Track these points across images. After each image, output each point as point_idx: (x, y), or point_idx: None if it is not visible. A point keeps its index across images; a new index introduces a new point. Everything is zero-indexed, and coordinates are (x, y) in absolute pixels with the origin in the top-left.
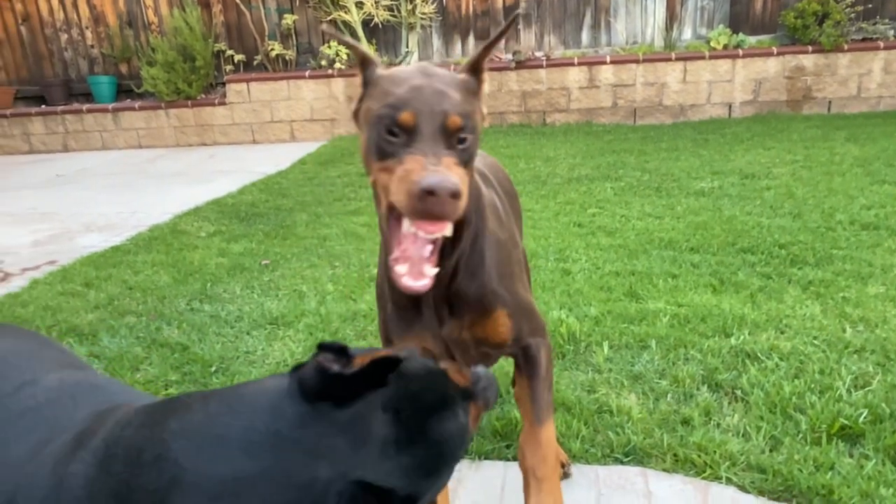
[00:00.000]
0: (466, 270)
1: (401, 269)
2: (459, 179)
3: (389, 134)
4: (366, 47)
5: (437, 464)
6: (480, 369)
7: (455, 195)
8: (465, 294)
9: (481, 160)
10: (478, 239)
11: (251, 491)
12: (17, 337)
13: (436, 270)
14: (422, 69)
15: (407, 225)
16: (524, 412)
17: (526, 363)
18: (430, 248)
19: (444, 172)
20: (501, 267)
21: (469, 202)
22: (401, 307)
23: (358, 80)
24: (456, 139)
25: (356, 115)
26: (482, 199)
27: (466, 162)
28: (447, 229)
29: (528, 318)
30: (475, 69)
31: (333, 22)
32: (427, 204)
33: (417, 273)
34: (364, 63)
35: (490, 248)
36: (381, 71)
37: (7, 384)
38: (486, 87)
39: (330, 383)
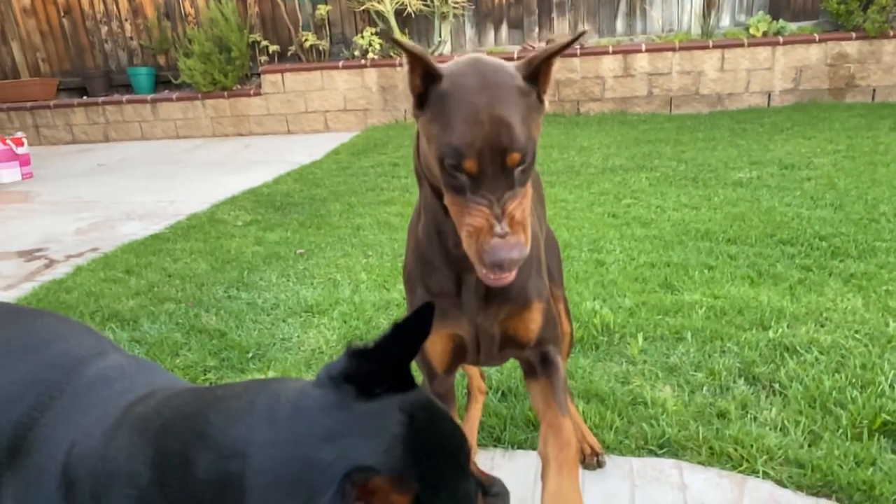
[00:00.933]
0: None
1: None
2: (523, 238)
3: (455, 170)
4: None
5: (436, 481)
6: (498, 480)
7: (520, 262)
8: (513, 285)
9: None
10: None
11: (259, 454)
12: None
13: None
14: (481, 78)
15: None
16: (544, 404)
17: (544, 366)
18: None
19: (509, 242)
20: (539, 261)
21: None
22: (437, 293)
23: (415, 83)
24: (516, 168)
25: (417, 118)
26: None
27: (525, 181)
28: (513, 276)
29: (553, 323)
30: (534, 74)
31: (366, 12)
32: (494, 270)
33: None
34: (426, 75)
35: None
36: (442, 88)
37: (84, 350)
38: (549, 81)
39: (355, 364)
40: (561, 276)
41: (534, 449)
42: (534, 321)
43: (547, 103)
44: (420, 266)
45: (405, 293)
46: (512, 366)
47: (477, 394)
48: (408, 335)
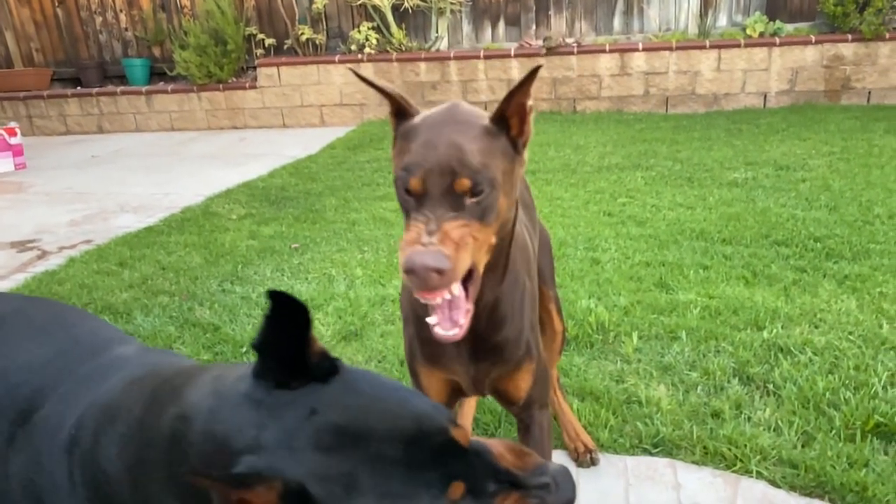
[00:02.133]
0: (500, 317)
1: (432, 320)
2: (449, 248)
3: (406, 193)
4: (397, 31)
5: (337, 479)
6: (555, 465)
7: (439, 272)
8: (497, 340)
9: None
10: (514, 288)
11: (195, 426)
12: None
13: (468, 318)
14: (448, 116)
15: None
16: None
17: (528, 431)
18: (462, 296)
19: (427, 250)
20: (532, 319)
21: (499, 248)
22: (431, 338)
23: (392, 121)
24: (468, 198)
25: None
26: (518, 245)
27: (482, 216)
28: (450, 293)
29: (543, 381)
30: (501, 118)
31: (363, 6)
32: (415, 282)
33: (449, 321)
34: (398, 114)
35: (527, 298)
36: (410, 123)
37: (106, 335)
38: (528, 131)
39: (260, 359)
40: (553, 275)
41: None
42: (524, 381)
43: (526, 155)
44: (412, 306)
45: (402, 320)
46: None
47: None
48: (282, 327)
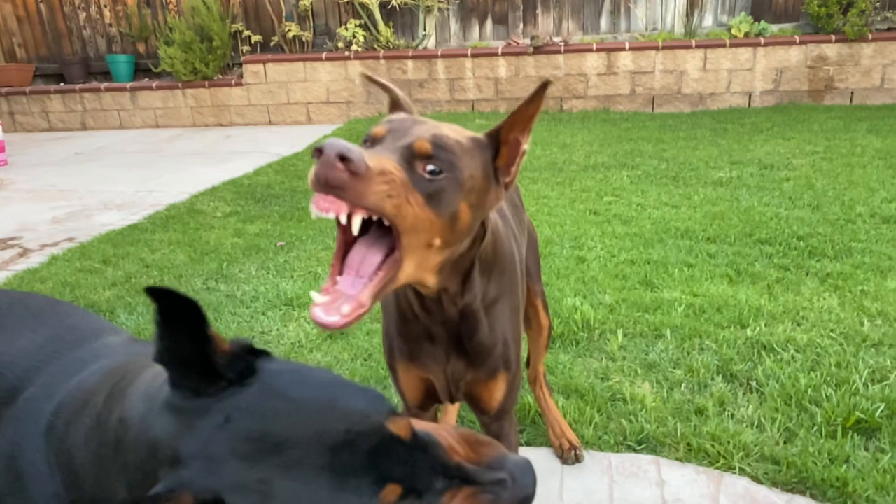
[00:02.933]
0: (477, 321)
1: (317, 298)
2: (373, 161)
3: (365, 141)
4: (385, 29)
5: (253, 487)
6: (514, 458)
7: (345, 159)
8: (474, 344)
9: None
10: (497, 295)
11: (130, 432)
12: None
13: (356, 312)
14: (439, 123)
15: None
16: None
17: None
18: (362, 283)
19: (350, 146)
20: (513, 326)
21: (475, 254)
22: (409, 335)
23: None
24: (422, 166)
25: None
26: (504, 257)
27: (431, 198)
28: (343, 215)
29: (516, 391)
30: (496, 138)
31: (350, 3)
32: (317, 168)
33: (333, 307)
34: (393, 106)
35: (507, 309)
36: (400, 112)
37: (96, 327)
38: (515, 173)
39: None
40: (539, 271)
41: None
42: (498, 390)
43: (504, 193)
44: (394, 307)
45: (382, 317)
46: None
47: None
48: (176, 330)
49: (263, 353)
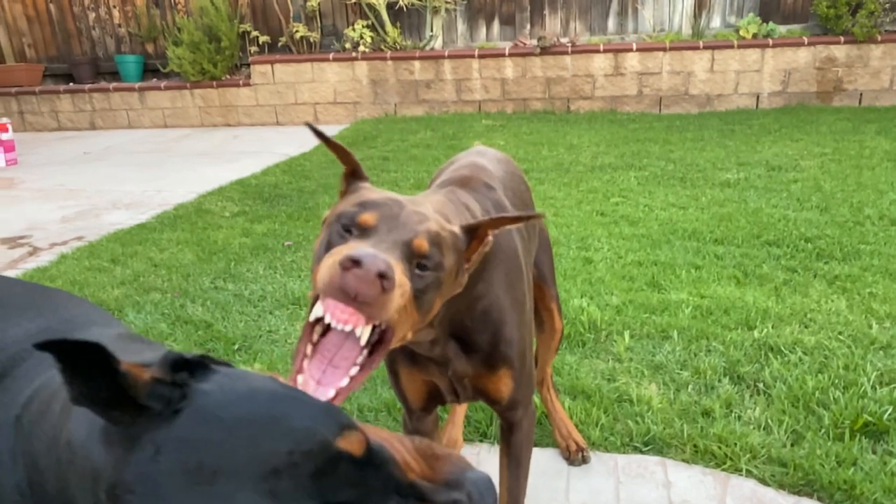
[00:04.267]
0: (479, 320)
1: (303, 375)
2: (398, 275)
3: (345, 231)
4: (392, 30)
5: None
6: (473, 475)
7: (384, 278)
8: (476, 344)
9: (503, 168)
10: (491, 299)
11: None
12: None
13: (343, 391)
14: (415, 199)
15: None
16: (501, 477)
17: (508, 445)
18: (335, 374)
19: (377, 253)
20: (517, 323)
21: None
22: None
23: (341, 188)
24: (415, 263)
25: (324, 222)
26: (501, 252)
27: (419, 294)
28: (359, 328)
29: (527, 381)
30: (472, 232)
31: (358, 4)
32: (348, 278)
33: (325, 379)
34: (352, 175)
35: (505, 303)
36: (366, 185)
37: (86, 319)
38: (475, 261)
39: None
40: (553, 273)
41: None
42: (504, 385)
43: (465, 279)
44: None
45: None
46: None
47: None
48: (85, 375)
49: (200, 365)
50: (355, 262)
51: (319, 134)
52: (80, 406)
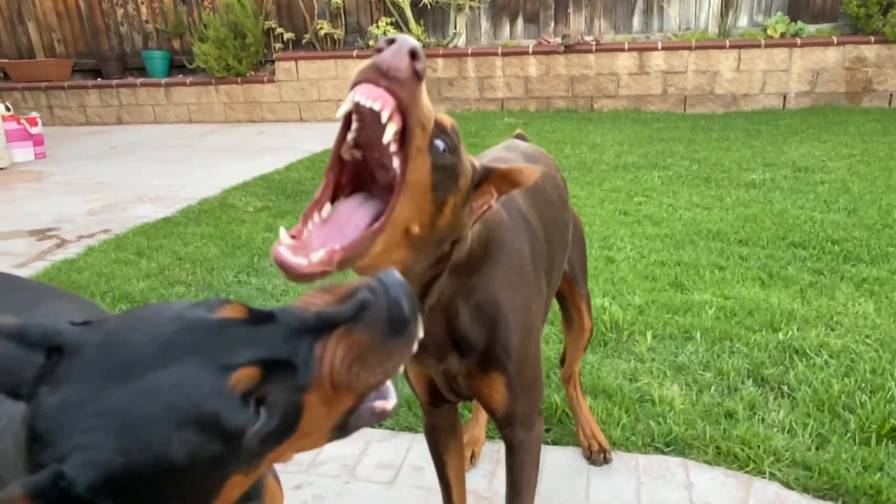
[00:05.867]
0: (472, 316)
1: (284, 237)
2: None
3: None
4: (416, 27)
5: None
6: (376, 276)
7: (415, 55)
8: (468, 338)
9: (529, 163)
10: (481, 289)
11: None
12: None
13: (324, 265)
14: None
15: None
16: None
17: (510, 454)
18: (336, 241)
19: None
20: (515, 326)
21: (477, 238)
22: None
23: None
24: (437, 137)
25: None
26: (501, 249)
27: (436, 168)
28: (387, 110)
29: (526, 395)
30: (485, 173)
31: (382, 1)
32: (381, 56)
33: (303, 251)
34: None
35: (503, 301)
36: None
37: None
38: (473, 218)
39: None
40: (584, 273)
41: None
42: (496, 391)
43: (471, 221)
44: None
45: None
46: None
47: None
48: None
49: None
50: (389, 42)
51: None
52: None
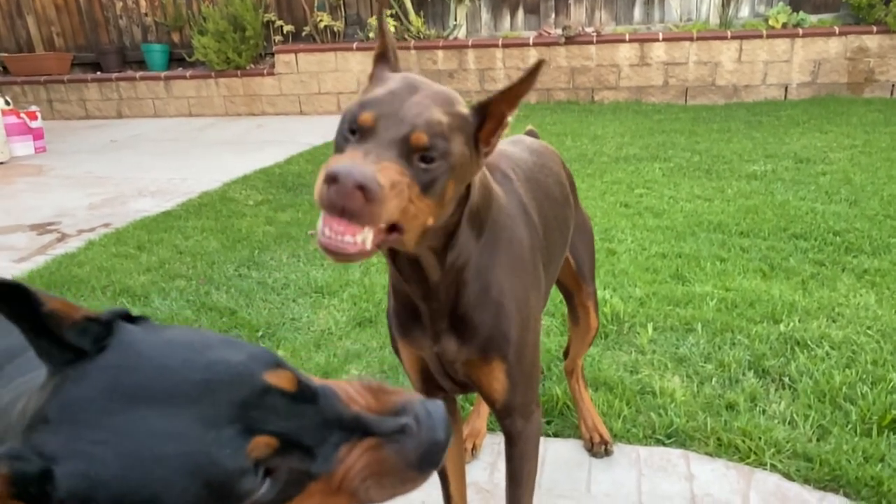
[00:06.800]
0: (468, 298)
1: (323, 227)
2: (384, 178)
3: (350, 132)
4: (416, 19)
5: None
6: (423, 401)
7: (363, 188)
8: (470, 321)
9: (534, 159)
10: (485, 272)
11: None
12: None
13: (362, 248)
14: (429, 83)
15: None
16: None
17: (508, 460)
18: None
19: (362, 164)
20: (516, 314)
21: (464, 225)
22: (401, 306)
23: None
24: (418, 157)
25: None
26: (502, 233)
27: (427, 187)
28: (359, 239)
29: (525, 385)
30: (483, 111)
31: None
32: (330, 194)
33: (338, 236)
34: (381, 58)
35: (504, 288)
36: (388, 73)
37: None
38: (495, 143)
39: None
40: (592, 271)
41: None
42: (496, 380)
43: (483, 162)
44: (392, 279)
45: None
46: None
47: None
48: (16, 316)
49: (140, 319)
50: (333, 178)
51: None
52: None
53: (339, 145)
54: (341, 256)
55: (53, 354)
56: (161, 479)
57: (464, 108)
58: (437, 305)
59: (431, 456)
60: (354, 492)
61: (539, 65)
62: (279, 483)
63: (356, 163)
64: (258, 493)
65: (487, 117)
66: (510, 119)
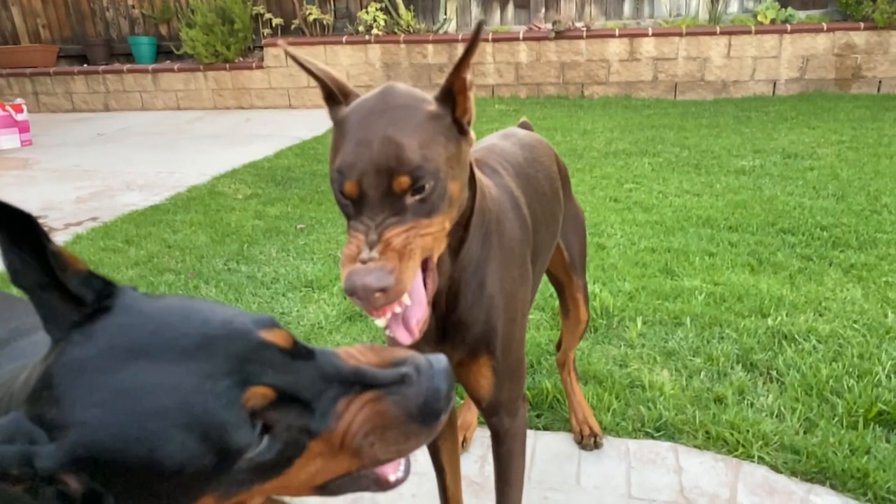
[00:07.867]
0: (466, 299)
1: (381, 323)
2: (392, 265)
3: (342, 196)
4: (406, 13)
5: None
6: (426, 355)
7: (383, 291)
8: (463, 324)
9: (525, 153)
10: (481, 269)
11: None
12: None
13: (423, 322)
14: (383, 103)
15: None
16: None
17: (496, 459)
18: (417, 300)
19: (368, 269)
20: (504, 310)
21: (470, 228)
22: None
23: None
24: (410, 194)
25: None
26: (491, 227)
27: (429, 211)
28: (400, 305)
29: (511, 381)
30: (447, 95)
31: None
32: (358, 301)
33: (403, 328)
34: (328, 99)
35: (495, 283)
36: (343, 112)
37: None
38: (471, 109)
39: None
40: (583, 264)
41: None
42: (484, 377)
43: (472, 134)
44: None
45: None
46: None
47: None
48: (21, 251)
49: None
50: (353, 294)
51: (293, 57)
52: (17, 285)
53: (343, 210)
54: (413, 334)
55: (57, 310)
56: (158, 432)
57: (431, 105)
58: (438, 313)
59: (433, 405)
60: (357, 449)
61: (479, 26)
62: (278, 442)
63: (364, 270)
64: (256, 448)
65: (455, 95)
66: (470, 77)
